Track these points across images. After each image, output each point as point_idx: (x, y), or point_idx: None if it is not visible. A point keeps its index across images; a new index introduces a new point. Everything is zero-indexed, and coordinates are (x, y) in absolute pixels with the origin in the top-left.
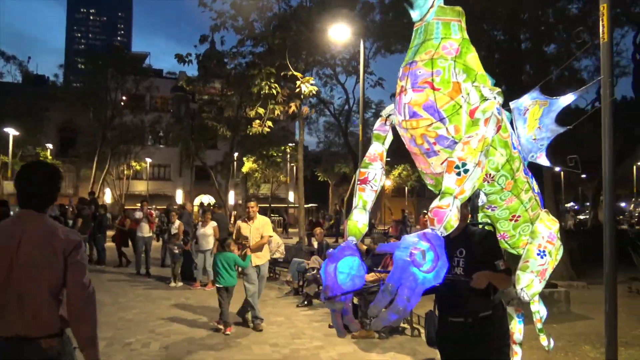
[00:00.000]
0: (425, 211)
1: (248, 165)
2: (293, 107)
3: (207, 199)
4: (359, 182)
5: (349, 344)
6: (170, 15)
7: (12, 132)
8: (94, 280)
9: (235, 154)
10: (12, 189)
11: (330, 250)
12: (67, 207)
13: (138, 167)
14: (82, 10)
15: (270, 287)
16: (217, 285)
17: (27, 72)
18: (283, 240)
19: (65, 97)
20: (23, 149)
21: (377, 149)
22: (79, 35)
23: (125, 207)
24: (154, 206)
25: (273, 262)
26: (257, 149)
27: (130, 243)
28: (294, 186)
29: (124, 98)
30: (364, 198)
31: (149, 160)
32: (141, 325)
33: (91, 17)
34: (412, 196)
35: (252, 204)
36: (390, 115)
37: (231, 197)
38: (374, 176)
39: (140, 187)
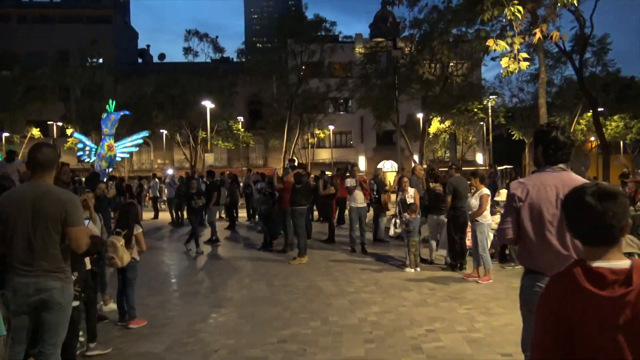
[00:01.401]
0: None
1: (435, 125)
2: (538, 33)
3: (390, 165)
4: None
5: None
6: None
7: (208, 104)
8: (311, 258)
9: (420, 115)
10: (212, 161)
11: None
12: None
13: (322, 135)
14: None
15: None
16: None
17: (218, 48)
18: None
19: (251, 70)
20: (218, 123)
21: None
22: (256, 17)
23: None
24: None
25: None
26: (451, 106)
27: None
28: (482, 147)
29: (303, 67)
30: None
31: (331, 127)
32: (400, 339)
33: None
34: (632, 151)
35: None
36: None
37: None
38: None
39: (324, 155)
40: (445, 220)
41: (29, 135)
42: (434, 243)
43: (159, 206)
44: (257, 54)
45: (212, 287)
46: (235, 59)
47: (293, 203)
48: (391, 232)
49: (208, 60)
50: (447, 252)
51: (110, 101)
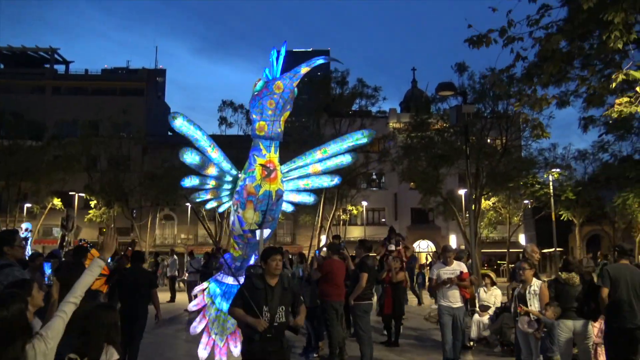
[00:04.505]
0: None
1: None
2: None
3: (426, 245)
4: None
5: None
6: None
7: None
8: None
9: (463, 191)
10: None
11: None
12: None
13: (354, 212)
14: None
15: None
16: None
17: (251, 120)
18: None
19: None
20: None
21: None
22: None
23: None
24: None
25: None
26: (509, 180)
27: None
28: (525, 228)
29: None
30: None
31: (365, 203)
32: None
33: None
34: None
35: None
36: None
37: (453, 242)
38: None
39: (356, 232)
40: (591, 328)
41: (49, 206)
42: None
43: (177, 286)
44: (287, 129)
45: None
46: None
47: (356, 297)
48: (473, 333)
49: (241, 133)
50: None
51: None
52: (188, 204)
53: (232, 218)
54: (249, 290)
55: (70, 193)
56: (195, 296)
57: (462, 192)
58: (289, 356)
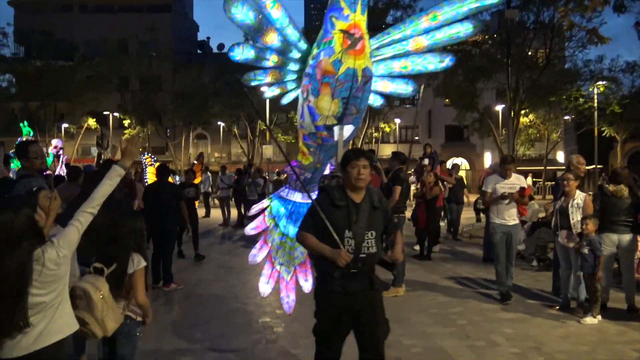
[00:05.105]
0: None
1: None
2: None
3: (460, 162)
4: None
5: None
6: None
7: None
8: (410, 288)
9: (500, 107)
10: (270, 154)
11: None
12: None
13: (387, 129)
14: None
15: None
16: None
17: None
18: None
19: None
20: (277, 115)
21: None
22: (315, 12)
23: None
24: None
25: None
26: (552, 93)
27: None
28: (564, 145)
29: None
30: None
31: (397, 120)
32: None
33: None
34: None
35: None
36: None
37: (488, 160)
38: None
39: (388, 150)
40: (638, 242)
41: (85, 126)
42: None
43: (211, 203)
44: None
45: (282, 334)
46: None
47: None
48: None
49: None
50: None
51: None
52: (220, 122)
53: (300, 110)
54: (325, 209)
55: (105, 113)
56: (253, 217)
57: (499, 107)
58: (381, 298)
